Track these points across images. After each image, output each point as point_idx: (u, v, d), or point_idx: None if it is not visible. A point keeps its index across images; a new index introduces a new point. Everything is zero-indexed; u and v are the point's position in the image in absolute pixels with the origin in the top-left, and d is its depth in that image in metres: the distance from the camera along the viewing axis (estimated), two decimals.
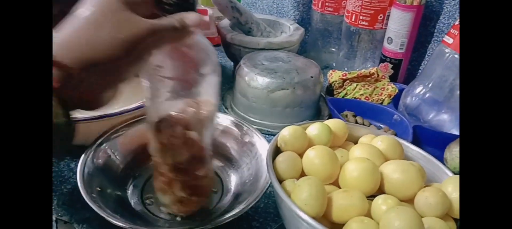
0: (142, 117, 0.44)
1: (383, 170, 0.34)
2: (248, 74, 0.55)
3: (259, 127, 0.51)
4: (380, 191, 0.34)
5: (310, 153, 0.35)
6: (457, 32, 0.53)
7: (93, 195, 0.35)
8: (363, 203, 0.31)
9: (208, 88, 0.32)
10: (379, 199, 0.31)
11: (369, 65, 0.75)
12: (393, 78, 0.68)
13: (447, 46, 0.54)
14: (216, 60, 0.32)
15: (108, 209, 0.33)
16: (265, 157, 0.36)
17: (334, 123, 0.40)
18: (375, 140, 0.39)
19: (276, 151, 0.37)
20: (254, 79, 0.54)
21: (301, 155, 0.36)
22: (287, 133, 0.37)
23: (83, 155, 0.39)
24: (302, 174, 0.35)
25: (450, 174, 0.36)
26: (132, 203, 0.39)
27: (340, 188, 0.34)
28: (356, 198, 0.31)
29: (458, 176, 0.34)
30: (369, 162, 0.33)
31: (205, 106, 0.31)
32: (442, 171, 0.37)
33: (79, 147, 0.40)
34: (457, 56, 0.53)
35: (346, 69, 0.78)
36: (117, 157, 0.42)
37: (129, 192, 0.40)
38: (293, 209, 0.29)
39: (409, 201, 0.33)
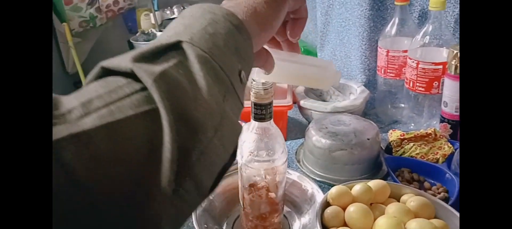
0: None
1: (408, 227, 0.44)
2: (314, 136, 0.68)
3: (323, 180, 0.64)
4: None
5: (350, 209, 0.46)
6: None
7: None
8: None
9: (280, 160, 0.47)
10: None
11: (434, 122, 0.82)
12: (454, 136, 0.73)
13: None
14: (284, 144, 0.47)
15: None
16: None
17: (376, 184, 0.51)
18: (409, 199, 0.48)
19: (326, 204, 0.49)
20: (319, 141, 0.67)
21: (344, 209, 0.48)
22: (334, 191, 0.49)
23: None
24: (344, 224, 0.47)
25: None
26: None
27: None
28: None
29: None
30: (394, 219, 0.43)
31: (278, 173, 0.46)
32: None
33: None
34: None
35: (412, 125, 0.85)
36: (216, 201, 0.59)
37: (224, 228, 0.57)
38: None
39: None
